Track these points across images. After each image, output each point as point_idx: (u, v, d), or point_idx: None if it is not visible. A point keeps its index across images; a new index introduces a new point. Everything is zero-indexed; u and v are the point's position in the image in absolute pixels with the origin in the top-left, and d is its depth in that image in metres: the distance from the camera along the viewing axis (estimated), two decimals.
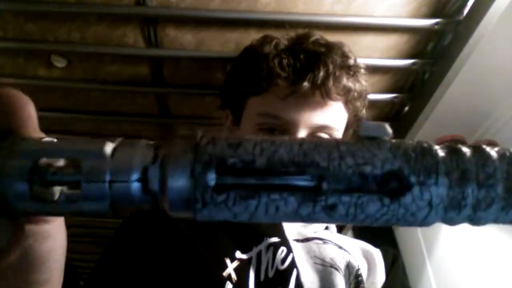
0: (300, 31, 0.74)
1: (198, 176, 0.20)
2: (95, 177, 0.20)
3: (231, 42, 0.94)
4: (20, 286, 0.22)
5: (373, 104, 1.14)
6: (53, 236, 0.22)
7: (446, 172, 0.20)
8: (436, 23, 0.90)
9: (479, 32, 0.84)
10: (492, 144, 2.55)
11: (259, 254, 0.59)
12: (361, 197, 0.20)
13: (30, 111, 0.20)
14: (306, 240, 0.63)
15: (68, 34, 0.93)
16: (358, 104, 0.70)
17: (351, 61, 0.68)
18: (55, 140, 0.21)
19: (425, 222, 0.21)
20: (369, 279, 0.66)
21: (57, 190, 0.20)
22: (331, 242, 0.64)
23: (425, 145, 0.21)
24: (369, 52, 0.98)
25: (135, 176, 0.20)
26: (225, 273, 0.55)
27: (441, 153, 0.21)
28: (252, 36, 0.93)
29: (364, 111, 0.74)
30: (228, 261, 0.57)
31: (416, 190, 0.20)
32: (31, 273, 0.22)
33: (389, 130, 0.21)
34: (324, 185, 0.20)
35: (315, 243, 0.63)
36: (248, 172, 0.20)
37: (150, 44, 0.94)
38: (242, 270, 0.57)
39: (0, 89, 0.19)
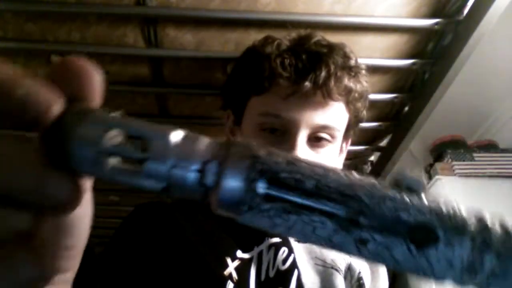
0: (302, 32, 0.74)
1: (251, 182, 0.21)
2: (160, 159, 0.21)
3: (231, 42, 0.95)
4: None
5: (373, 104, 1.14)
6: (87, 202, 0.23)
7: (472, 237, 0.22)
8: (436, 23, 0.90)
9: (479, 32, 0.84)
10: (492, 144, 2.54)
11: (260, 254, 0.59)
12: (392, 239, 0.21)
13: (98, 82, 0.20)
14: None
15: (68, 34, 0.93)
16: (359, 104, 0.70)
17: (353, 62, 0.69)
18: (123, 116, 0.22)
19: (441, 277, 0.22)
20: (372, 283, 0.66)
21: (119, 161, 0.21)
22: None
23: (457, 206, 0.24)
24: (369, 52, 0.98)
25: (195, 166, 0.21)
26: (226, 272, 0.56)
27: (472, 218, 0.23)
28: (252, 36, 0.93)
29: (364, 112, 0.75)
30: (229, 260, 0.57)
31: (441, 245, 0.21)
32: (62, 236, 0.22)
33: (426, 185, 0.23)
34: (362, 219, 0.21)
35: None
36: (296, 190, 0.21)
37: (150, 44, 0.94)
38: (243, 270, 0.57)
39: (70, 57, 0.19)
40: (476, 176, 2.44)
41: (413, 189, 0.23)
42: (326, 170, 0.22)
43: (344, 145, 0.74)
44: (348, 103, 0.68)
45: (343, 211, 0.21)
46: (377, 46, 0.97)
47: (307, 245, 0.62)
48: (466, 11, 0.87)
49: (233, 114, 0.77)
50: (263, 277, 0.57)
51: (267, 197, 0.21)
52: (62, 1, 0.87)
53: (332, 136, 0.65)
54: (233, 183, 0.21)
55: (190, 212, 0.64)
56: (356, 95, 0.68)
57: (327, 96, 0.63)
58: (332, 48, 0.68)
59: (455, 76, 0.94)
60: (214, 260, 0.57)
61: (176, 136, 0.21)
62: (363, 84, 0.70)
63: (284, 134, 0.64)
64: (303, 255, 0.61)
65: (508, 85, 2.42)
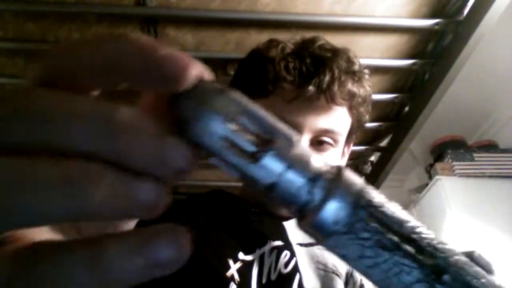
0: (306, 35, 0.75)
1: (358, 208, 0.21)
2: (280, 156, 0.21)
3: (231, 43, 0.95)
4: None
5: (373, 104, 1.13)
6: None
7: None
8: (436, 23, 0.90)
9: (479, 32, 0.84)
10: (492, 144, 2.54)
11: (262, 257, 0.59)
12: None
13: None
14: (310, 245, 0.63)
15: (68, 34, 0.93)
16: (362, 109, 0.70)
17: (356, 67, 0.68)
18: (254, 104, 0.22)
19: None
20: None
21: (235, 147, 0.21)
22: None
23: None
24: (369, 52, 0.98)
25: (308, 175, 0.21)
26: (228, 274, 0.55)
27: None
28: (252, 36, 0.93)
29: (367, 116, 0.75)
30: (231, 262, 0.57)
31: None
32: None
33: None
34: (446, 277, 0.22)
35: (318, 248, 0.63)
36: (396, 231, 0.22)
37: None
38: (244, 272, 0.57)
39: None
40: (476, 176, 2.44)
41: (486, 268, 0.24)
42: (424, 224, 0.24)
43: (346, 149, 0.74)
44: (351, 108, 0.68)
45: (433, 264, 0.22)
46: (377, 46, 0.97)
47: (309, 248, 0.62)
48: (466, 11, 0.87)
49: None
50: (264, 280, 0.57)
51: (369, 227, 0.21)
52: (62, 1, 0.87)
53: (335, 140, 0.65)
54: (340, 203, 0.21)
55: (190, 212, 0.64)
56: (360, 99, 0.68)
57: (331, 100, 0.63)
58: (336, 52, 0.68)
59: (455, 76, 0.94)
60: (216, 261, 0.57)
61: (298, 141, 0.22)
62: (366, 88, 0.69)
63: None
64: (304, 259, 0.61)
65: (508, 85, 2.42)
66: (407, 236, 0.22)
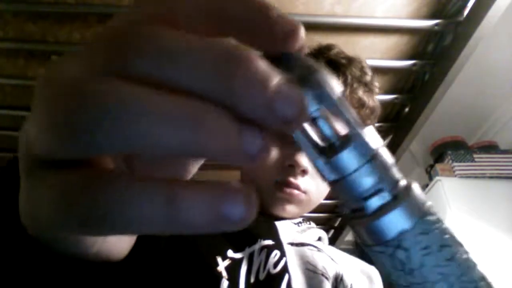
0: (323, 43, 0.75)
1: (417, 226, 0.22)
2: (355, 156, 0.21)
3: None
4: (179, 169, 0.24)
5: None
6: None
7: None
8: (436, 24, 0.90)
9: (479, 33, 0.84)
10: (492, 145, 2.54)
11: (251, 255, 0.58)
12: None
13: None
14: (301, 245, 0.63)
15: (69, 34, 0.93)
16: (369, 122, 0.71)
17: (369, 77, 0.69)
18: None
19: None
20: None
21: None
22: (325, 252, 0.63)
23: None
24: (370, 53, 0.98)
25: (378, 181, 0.22)
26: (218, 270, 0.56)
27: None
28: None
29: None
30: (219, 259, 0.57)
31: None
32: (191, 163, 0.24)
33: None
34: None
35: (309, 249, 0.62)
36: (441, 257, 0.22)
37: None
38: (233, 270, 0.56)
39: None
40: (476, 177, 2.44)
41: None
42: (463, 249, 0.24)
43: None
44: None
45: None
46: (377, 47, 0.97)
47: (300, 249, 0.61)
48: (466, 12, 0.87)
49: None
50: (253, 279, 0.56)
51: (423, 247, 0.22)
52: (62, 1, 0.87)
53: None
54: (403, 215, 0.22)
55: None
56: (368, 111, 0.68)
57: None
58: (351, 60, 0.68)
59: (455, 77, 0.94)
60: (205, 258, 0.57)
61: (378, 146, 0.22)
62: (375, 101, 0.70)
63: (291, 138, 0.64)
64: (294, 259, 0.60)
65: (508, 86, 2.42)
66: (448, 259, 0.22)
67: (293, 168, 0.60)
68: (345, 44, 0.96)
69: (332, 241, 1.80)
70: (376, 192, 0.22)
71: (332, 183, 0.22)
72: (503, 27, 1.60)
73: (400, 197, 0.22)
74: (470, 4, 0.86)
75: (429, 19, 0.90)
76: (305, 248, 0.62)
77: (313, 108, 0.20)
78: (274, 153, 0.48)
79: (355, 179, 0.21)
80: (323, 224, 1.75)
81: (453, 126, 2.66)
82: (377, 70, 1.02)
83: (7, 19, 0.90)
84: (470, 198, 2.36)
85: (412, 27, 0.93)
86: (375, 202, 0.22)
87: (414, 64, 0.99)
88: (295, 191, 0.61)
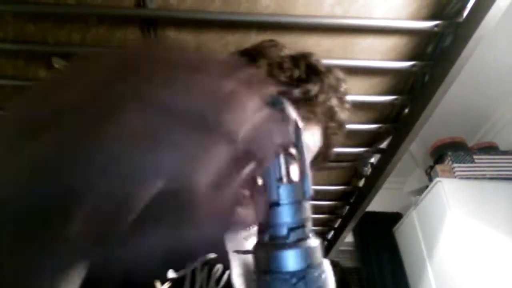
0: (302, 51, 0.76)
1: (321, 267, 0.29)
2: (302, 191, 0.30)
3: (231, 44, 0.95)
4: None
5: (373, 106, 1.14)
6: None
7: None
8: (436, 25, 0.90)
9: (478, 34, 0.84)
10: (492, 146, 2.54)
11: (193, 273, 0.55)
12: None
13: None
14: (247, 252, 0.60)
15: (69, 35, 0.93)
16: (335, 138, 0.69)
17: (343, 89, 0.68)
18: None
19: None
20: None
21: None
22: None
23: None
24: (369, 54, 0.98)
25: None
26: None
27: None
28: (252, 38, 0.93)
29: (333, 150, 0.73)
30: (158, 284, 0.53)
31: None
32: None
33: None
34: None
35: None
36: None
37: None
38: None
39: None
40: (476, 178, 2.44)
41: None
42: None
43: None
44: (326, 129, 0.66)
45: None
46: (377, 48, 0.98)
47: (245, 257, 0.59)
48: (465, 13, 0.87)
49: None
50: None
51: None
52: (62, 3, 0.87)
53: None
54: (316, 252, 0.29)
55: None
56: (336, 124, 0.67)
57: (311, 110, 0.62)
58: (329, 69, 0.68)
59: (454, 78, 0.94)
60: (140, 286, 0.52)
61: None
62: (345, 116, 0.68)
63: None
64: (239, 270, 0.58)
65: (508, 87, 2.42)
66: None
67: None
68: (344, 46, 0.96)
69: (332, 242, 1.80)
70: (301, 227, 0.28)
71: (272, 204, 0.28)
72: (502, 28, 1.60)
73: (316, 238, 0.29)
74: (469, 6, 0.86)
75: (428, 20, 0.90)
76: (251, 256, 0.59)
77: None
78: None
79: (293, 207, 0.28)
80: (323, 225, 1.75)
81: (453, 127, 2.67)
82: (377, 71, 1.02)
83: (7, 20, 0.90)
84: (470, 199, 2.36)
85: (412, 28, 0.93)
86: (298, 234, 0.28)
87: (413, 65, 0.99)
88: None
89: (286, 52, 0.68)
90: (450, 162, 2.52)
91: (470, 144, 2.74)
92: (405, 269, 3.01)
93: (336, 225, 1.73)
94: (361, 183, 1.45)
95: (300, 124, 0.31)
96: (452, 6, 0.88)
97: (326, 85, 0.63)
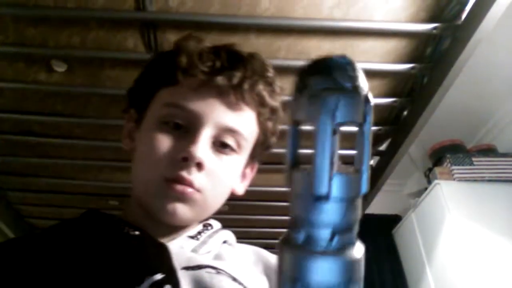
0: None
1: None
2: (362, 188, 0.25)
3: None
4: None
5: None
6: None
7: None
8: (435, 28, 0.90)
9: (477, 37, 0.84)
10: (491, 148, 2.54)
11: None
12: None
13: None
14: (198, 267, 0.56)
15: (69, 38, 0.93)
16: (270, 124, 0.67)
17: (270, 74, 0.65)
18: None
19: None
20: None
21: None
22: (225, 272, 0.57)
23: None
24: (368, 56, 0.98)
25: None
26: None
27: None
28: (252, 40, 0.93)
29: (274, 138, 0.70)
30: None
31: None
32: None
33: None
34: None
35: (207, 272, 0.55)
36: None
37: (150, 48, 0.95)
38: None
39: None
40: (475, 180, 2.44)
41: None
42: None
43: (248, 169, 0.69)
44: (259, 115, 0.64)
45: None
46: (376, 50, 0.98)
47: (196, 273, 0.55)
48: (464, 15, 0.88)
49: (137, 112, 0.67)
50: None
51: None
52: (63, 6, 0.87)
53: (239, 145, 0.61)
54: (357, 268, 0.24)
55: (50, 248, 0.55)
56: (269, 110, 0.65)
57: (240, 98, 0.60)
58: (252, 55, 0.65)
59: (453, 80, 0.94)
60: None
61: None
62: (277, 101, 0.66)
63: (188, 131, 0.58)
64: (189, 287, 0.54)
65: (507, 89, 2.42)
66: None
67: (186, 162, 0.54)
68: (344, 48, 0.97)
69: None
70: (348, 231, 0.24)
71: (319, 198, 0.23)
72: (501, 31, 1.61)
73: (361, 246, 0.24)
74: (468, 8, 0.86)
75: (427, 22, 0.91)
76: (203, 272, 0.55)
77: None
78: (165, 144, 0.53)
79: (344, 205, 0.23)
80: None
81: (452, 129, 2.67)
82: (376, 73, 1.02)
83: (7, 23, 0.90)
84: (469, 201, 2.36)
85: (411, 30, 0.93)
86: (343, 240, 0.23)
87: (412, 68, 0.99)
88: (188, 189, 0.54)
89: (206, 44, 0.66)
90: (449, 165, 2.53)
91: (469, 146, 2.74)
92: (404, 271, 3.00)
93: None
94: None
95: (371, 98, 0.26)
96: (450, 9, 0.89)
97: (250, 71, 0.61)
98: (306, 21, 0.90)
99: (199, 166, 0.55)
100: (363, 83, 0.24)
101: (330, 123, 0.24)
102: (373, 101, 0.25)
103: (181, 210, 0.55)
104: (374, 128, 1.18)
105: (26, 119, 1.14)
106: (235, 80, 0.59)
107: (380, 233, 3.16)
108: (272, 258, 0.67)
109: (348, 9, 0.89)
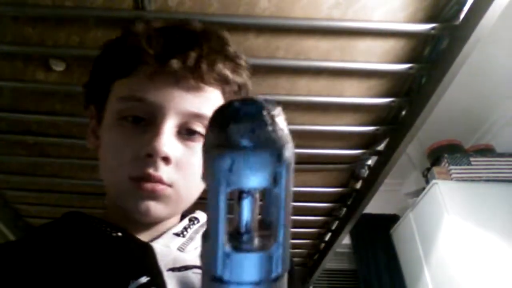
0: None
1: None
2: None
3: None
4: None
5: (370, 108, 1.14)
6: None
7: None
8: (433, 28, 0.90)
9: (475, 37, 0.85)
10: (488, 148, 2.55)
11: None
12: None
13: None
14: (184, 268, 0.54)
15: (67, 37, 0.93)
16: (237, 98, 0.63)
17: (231, 50, 0.60)
18: None
19: None
20: None
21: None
22: None
23: None
24: (367, 56, 0.99)
25: None
26: None
27: None
28: (251, 40, 0.93)
29: None
30: None
31: None
32: None
33: None
34: None
35: (194, 273, 0.53)
36: None
37: None
38: None
39: None
40: (473, 180, 2.45)
41: None
42: None
43: None
44: (224, 94, 0.60)
45: None
46: (375, 50, 0.98)
47: (183, 275, 0.53)
48: (462, 16, 0.88)
49: (95, 108, 0.64)
50: None
51: None
52: (61, 5, 0.87)
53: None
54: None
55: (31, 255, 0.52)
56: (235, 87, 0.60)
57: (200, 79, 0.55)
58: (209, 31, 0.60)
59: (451, 80, 0.94)
60: None
61: None
62: (242, 76, 0.61)
63: (149, 124, 0.54)
64: None
65: (505, 90, 2.43)
66: None
67: (151, 158, 0.51)
68: (342, 48, 0.97)
69: (330, 244, 1.80)
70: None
71: (215, 279, 0.19)
72: (499, 31, 1.61)
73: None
74: (466, 8, 0.87)
75: (425, 23, 0.91)
76: (189, 273, 0.53)
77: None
78: (127, 141, 0.51)
79: None
80: (320, 227, 1.75)
81: (450, 129, 2.68)
82: (374, 73, 1.02)
83: (5, 22, 0.90)
84: (467, 201, 2.37)
85: (409, 31, 0.94)
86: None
87: (411, 68, 1.00)
88: (158, 186, 0.51)
89: (156, 24, 0.61)
90: (447, 164, 2.53)
91: (467, 146, 2.75)
92: (402, 271, 3.01)
93: (333, 227, 1.73)
94: (358, 185, 1.45)
95: (289, 155, 0.20)
96: (448, 9, 0.89)
97: (206, 49, 0.57)
98: (305, 21, 0.91)
99: (166, 160, 0.51)
100: (277, 138, 0.19)
101: (223, 189, 0.19)
102: (291, 159, 0.20)
103: (155, 208, 0.52)
104: (372, 128, 1.19)
105: (24, 118, 1.14)
106: (191, 62, 0.54)
107: (378, 232, 3.17)
108: None
109: (347, 9, 0.89)
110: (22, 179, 1.42)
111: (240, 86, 0.61)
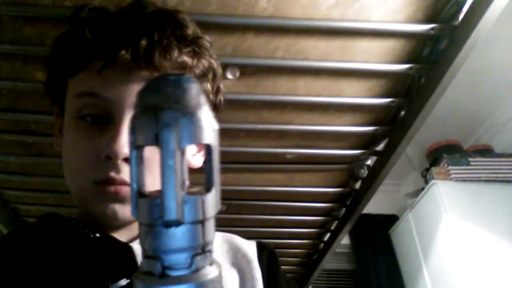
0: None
1: None
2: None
3: (229, 47, 0.95)
4: None
5: (369, 108, 1.14)
6: None
7: None
8: (432, 28, 0.90)
9: (474, 37, 0.85)
10: (487, 149, 2.56)
11: None
12: None
13: None
14: None
15: None
16: (206, 85, 0.57)
17: (189, 31, 0.55)
18: None
19: None
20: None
21: None
22: None
23: None
24: (366, 57, 0.99)
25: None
26: None
27: None
28: (250, 40, 0.93)
29: (221, 97, 0.61)
30: None
31: None
32: None
33: None
34: None
35: None
36: None
37: None
38: None
39: None
40: (472, 180, 2.46)
41: None
42: None
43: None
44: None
45: None
46: (374, 50, 0.98)
47: None
48: (461, 16, 0.88)
49: (58, 107, 0.60)
50: None
51: None
52: (60, 5, 0.87)
53: None
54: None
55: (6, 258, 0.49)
56: (198, 71, 0.55)
57: (153, 69, 0.50)
58: (160, 13, 0.55)
59: (450, 80, 0.94)
60: None
61: None
62: (206, 58, 0.56)
63: (108, 123, 0.50)
64: None
65: (504, 90, 2.43)
66: None
67: (112, 161, 0.48)
68: (341, 48, 0.97)
69: (329, 244, 1.80)
70: (205, 252, 0.24)
71: (170, 224, 0.22)
72: (498, 31, 1.61)
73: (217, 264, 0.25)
74: (465, 9, 0.87)
75: (425, 23, 0.91)
76: None
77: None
78: (86, 143, 0.50)
79: (199, 227, 0.23)
80: (319, 227, 1.75)
81: (449, 130, 2.68)
82: (373, 74, 1.02)
83: (4, 22, 0.90)
84: (466, 201, 2.37)
85: (408, 31, 0.94)
86: (200, 262, 0.23)
87: (410, 68, 1.00)
88: (122, 188, 0.49)
89: (100, 10, 0.57)
90: (446, 165, 2.54)
91: (466, 146, 2.76)
92: (401, 271, 3.01)
93: (332, 227, 1.73)
94: (358, 185, 1.45)
95: (214, 124, 0.25)
96: (448, 10, 0.89)
97: (157, 34, 0.51)
98: (304, 21, 0.90)
99: (127, 160, 0.48)
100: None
101: (173, 143, 0.22)
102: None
103: (122, 210, 0.50)
104: (371, 128, 1.19)
105: (23, 118, 1.14)
106: (141, 51, 0.49)
107: (377, 233, 3.17)
108: (245, 245, 0.62)
109: (346, 9, 0.89)
110: (22, 179, 1.42)
111: (206, 70, 0.57)
